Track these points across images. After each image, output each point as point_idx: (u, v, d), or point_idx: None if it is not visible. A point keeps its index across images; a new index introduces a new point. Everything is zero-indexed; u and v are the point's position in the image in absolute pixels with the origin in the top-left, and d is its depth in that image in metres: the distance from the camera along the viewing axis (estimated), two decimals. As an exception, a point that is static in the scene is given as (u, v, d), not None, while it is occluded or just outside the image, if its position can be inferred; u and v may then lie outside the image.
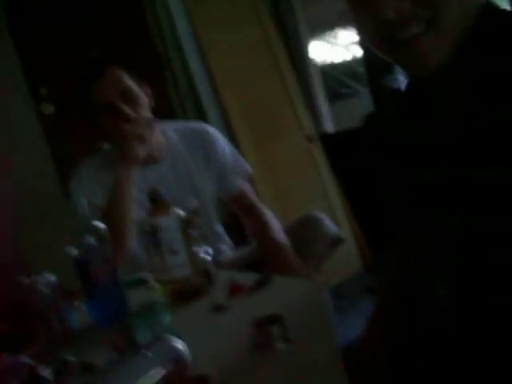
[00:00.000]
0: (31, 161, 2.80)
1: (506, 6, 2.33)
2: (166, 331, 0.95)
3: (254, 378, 0.88)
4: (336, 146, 3.12)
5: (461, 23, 0.76)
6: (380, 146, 0.99)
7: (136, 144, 1.69)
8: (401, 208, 1.03)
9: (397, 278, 1.06)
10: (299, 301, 1.12)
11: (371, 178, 1.08)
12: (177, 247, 1.26)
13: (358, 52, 3.43)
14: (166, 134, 1.85)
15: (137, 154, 1.69)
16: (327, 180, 3.09)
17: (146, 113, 1.73)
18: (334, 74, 3.68)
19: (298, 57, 3.26)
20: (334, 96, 3.48)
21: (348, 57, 3.66)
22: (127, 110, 1.68)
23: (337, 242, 1.85)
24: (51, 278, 1.22)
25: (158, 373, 0.81)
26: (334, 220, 2.35)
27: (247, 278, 1.26)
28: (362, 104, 3.23)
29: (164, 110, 2.07)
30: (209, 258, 1.31)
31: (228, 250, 1.94)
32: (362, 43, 2.62)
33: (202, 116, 2.90)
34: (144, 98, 1.75)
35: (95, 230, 1.24)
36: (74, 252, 1.22)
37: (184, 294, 1.25)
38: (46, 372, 0.97)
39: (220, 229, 1.94)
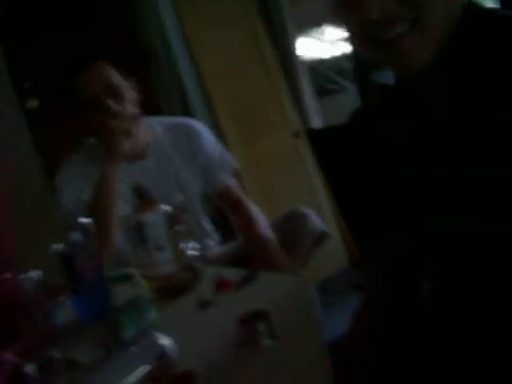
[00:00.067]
0: (16, 156, 2.77)
1: (491, 4, 2.35)
2: (152, 327, 0.94)
3: (241, 373, 0.88)
4: (323, 142, 3.12)
5: (445, 23, 0.76)
6: (366, 143, 1.00)
7: (122, 139, 1.68)
8: (386, 205, 1.03)
9: (383, 275, 1.06)
10: (286, 296, 1.12)
11: (357, 175, 1.09)
12: (163, 243, 1.25)
13: (345, 48, 3.44)
14: (151, 129, 1.84)
15: (123, 149, 1.68)
16: (314, 176, 3.10)
17: (132, 108, 1.72)
18: (321, 70, 3.69)
19: (286, 53, 3.26)
20: (321, 92, 3.49)
21: (335, 53, 3.67)
22: (113, 104, 1.67)
23: (323, 237, 1.86)
24: (36, 274, 1.21)
25: (143, 369, 0.81)
26: (321, 216, 2.35)
27: (234, 274, 1.26)
28: (348, 100, 3.24)
29: (151, 108, 2.06)
30: (195, 253, 1.31)
31: (215, 245, 1.94)
32: (350, 39, 2.63)
33: (189, 112, 2.89)
34: (130, 93, 1.74)
35: (81, 226, 1.23)
36: (60, 247, 1.21)
37: (170, 290, 1.25)
38: (31, 369, 0.96)
39: (207, 224, 1.94)
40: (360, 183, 1.09)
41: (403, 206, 0.94)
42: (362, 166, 1.04)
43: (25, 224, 2.57)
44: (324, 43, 3.64)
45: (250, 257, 1.75)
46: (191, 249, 1.30)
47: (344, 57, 3.53)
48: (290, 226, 1.81)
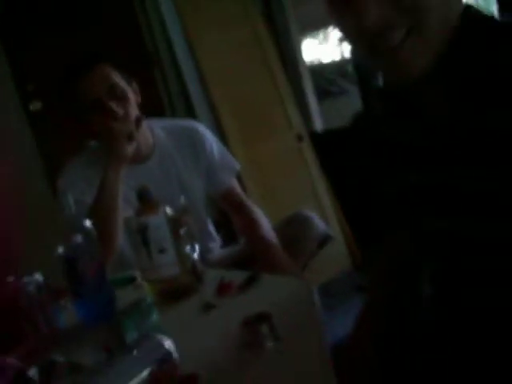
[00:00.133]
0: (19, 158, 2.78)
1: (495, 8, 2.35)
2: (155, 330, 0.94)
3: (243, 376, 0.88)
4: (325, 145, 3.12)
5: (443, 30, 0.76)
6: (368, 145, 1.00)
7: (124, 142, 1.68)
8: (388, 207, 1.03)
9: (384, 277, 1.06)
10: (288, 299, 1.12)
11: (360, 177, 1.09)
12: (165, 246, 1.25)
13: (348, 51, 3.43)
14: (154, 131, 1.84)
15: (125, 152, 1.68)
16: (317, 178, 3.10)
17: (134, 110, 1.72)
18: (323, 72, 3.69)
19: (289, 55, 3.27)
20: (323, 94, 3.49)
21: (338, 56, 3.67)
22: (115, 107, 1.67)
23: (326, 240, 1.85)
24: (38, 277, 1.21)
25: (146, 372, 0.81)
26: (324, 218, 2.35)
27: (236, 276, 1.26)
28: (351, 103, 3.24)
29: (154, 109, 2.07)
30: (198, 256, 1.31)
31: (217, 248, 1.94)
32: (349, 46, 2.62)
33: (191, 114, 2.89)
34: (132, 95, 1.74)
35: (83, 229, 1.23)
36: (62, 250, 1.21)
37: (173, 293, 1.25)
38: (34, 372, 0.96)
39: (209, 227, 1.94)
40: (362, 186, 1.09)
41: (404, 208, 0.94)
42: (364, 168, 1.04)
43: (27, 226, 2.58)
44: (327, 46, 3.64)
45: (252, 259, 1.75)
46: (194, 251, 1.30)
47: (347, 59, 3.53)
48: (293, 229, 1.81)
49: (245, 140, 2.87)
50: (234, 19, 3.00)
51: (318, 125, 3.34)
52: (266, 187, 2.86)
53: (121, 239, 1.62)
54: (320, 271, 2.35)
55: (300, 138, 3.09)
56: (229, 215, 1.94)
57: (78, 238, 1.20)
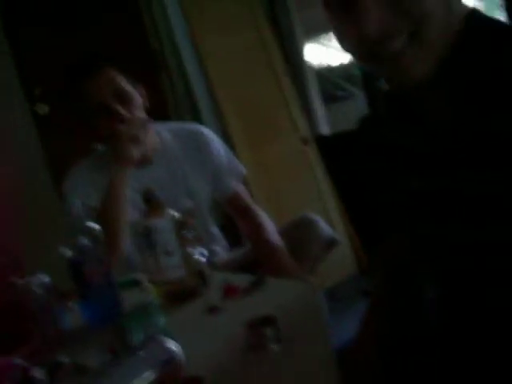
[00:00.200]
0: (25, 162, 2.79)
1: (498, 13, 2.35)
2: (160, 332, 0.95)
3: (248, 379, 0.88)
4: (331, 149, 3.12)
5: (446, 35, 0.75)
6: (372, 149, 0.99)
7: (130, 145, 1.68)
8: (391, 212, 1.03)
9: (386, 281, 1.06)
10: (293, 302, 1.12)
11: (365, 181, 1.08)
12: (171, 248, 1.25)
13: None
14: (160, 134, 1.84)
15: (131, 155, 1.69)
16: (322, 182, 3.10)
17: (140, 114, 1.73)
18: (329, 76, 3.69)
19: (294, 59, 3.27)
20: (329, 98, 3.49)
21: (343, 59, 3.67)
22: (121, 110, 1.68)
23: (331, 244, 1.85)
24: (45, 278, 1.21)
25: (151, 374, 0.81)
26: (329, 222, 2.35)
27: (241, 280, 1.26)
28: (357, 106, 3.23)
29: (160, 112, 2.07)
30: (203, 259, 1.31)
31: (223, 251, 1.94)
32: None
33: (197, 117, 2.90)
34: (138, 98, 1.74)
35: (89, 231, 1.23)
36: (68, 253, 1.21)
37: (178, 296, 1.25)
38: (39, 373, 0.97)
39: (215, 230, 1.94)
40: (367, 190, 1.09)
41: (407, 212, 0.94)
42: (368, 172, 1.04)
43: (34, 229, 2.59)
44: (332, 49, 3.64)
45: (257, 263, 1.75)
46: (199, 254, 1.30)
47: (352, 63, 3.53)
48: (299, 233, 1.81)
49: (250, 143, 2.87)
50: (240, 23, 3.01)
51: (324, 128, 3.34)
52: (271, 190, 2.86)
53: (127, 242, 1.63)
54: (326, 275, 2.35)
55: (305, 142, 3.09)
56: (234, 219, 1.94)
57: (84, 241, 1.21)
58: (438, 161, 0.83)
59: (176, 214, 1.28)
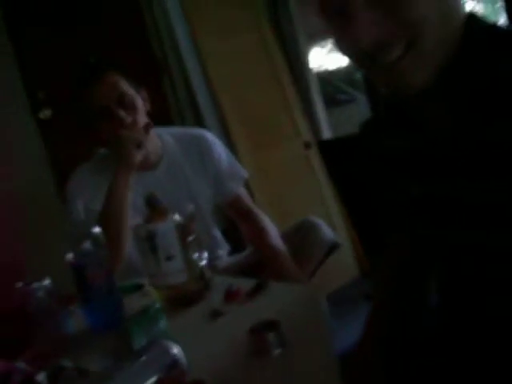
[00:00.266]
0: (28, 165, 2.80)
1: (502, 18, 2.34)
2: (163, 337, 0.95)
3: (250, 383, 0.88)
4: (333, 153, 3.12)
5: (443, 42, 0.75)
6: (374, 155, 0.99)
7: (133, 149, 1.69)
8: (391, 217, 1.03)
9: (384, 284, 1.06)
10: (296, 306, 1.12)
11: (367, 186, 1.09)
12: (173, 253, 1.25)
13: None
14: (162, 139, 1.85)
15: (134, 159, 1.69)
16: (324, 186, 3.10)
17: (142, 118, 1.73)
18: (331, 80, 3.69)
19: (296, 63, 3.27)
20: (331, 102, 3.49)
21: (345, 63, 3.67)
22: (124, 115, 1.68)
23: (334, 247, 1.85)
24: (47, 283, 1.22)
25: (154, 378, 0.81)
26: (332, 226, 2.34)
27: (244, 284, 1.26)
28: (359, 110, 3.24)
29: (162, 116, 2.08)
30: (205, 263, 1.31)
31: (225, 255, 1.94)
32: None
33: (199, 122, 2.90)
34: (141, 103, 1.75)
35: (91, 235, 1.23)
36: (71, 257, 1.21)
37: (180, 300, 1.25)
38: (42, 377, 0.97)
39: (217, 234, 1.94)
40: (369, 194, 1.09)
41: (407, 218, 0.94)
42: (370, 177, 1.04)
43: (36, 233, 2.59)
44: (334, 53, 3.64)
45: (260, 267, 1.75)
46: (202, 258, 1.30)
47: (355, 67, 3.53)
48: (301, 237, 1.81)
49: (252, 147, 2.88)
50: (242, 27, 3.02)
51: (326, 133, 3.34)
52: (273, 194, 2.86)
53: (129, 246, 1.63)
54: (328, 279, 2.34)
55: (307, 146, 3.10)
56: (236, 223, 1.94)
57: (86, 245, 1.21)
58: (438, 168, 0.83)
59: (178, 218, 1.28)
